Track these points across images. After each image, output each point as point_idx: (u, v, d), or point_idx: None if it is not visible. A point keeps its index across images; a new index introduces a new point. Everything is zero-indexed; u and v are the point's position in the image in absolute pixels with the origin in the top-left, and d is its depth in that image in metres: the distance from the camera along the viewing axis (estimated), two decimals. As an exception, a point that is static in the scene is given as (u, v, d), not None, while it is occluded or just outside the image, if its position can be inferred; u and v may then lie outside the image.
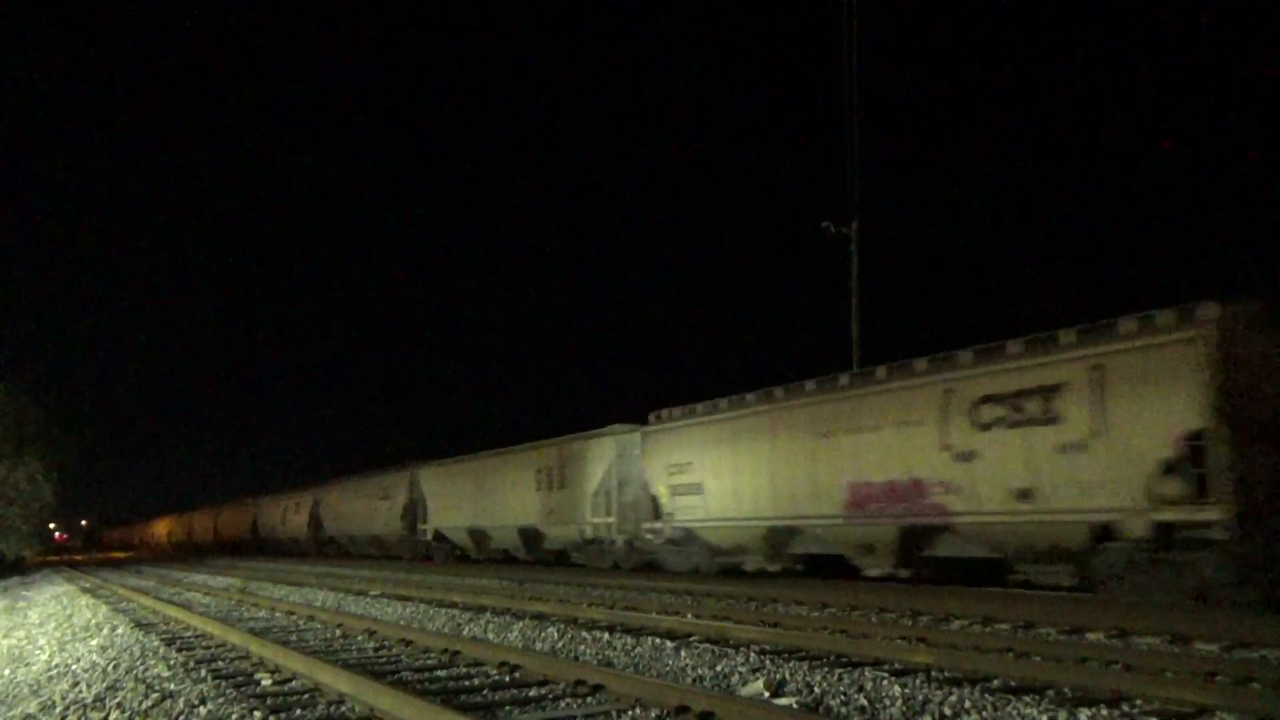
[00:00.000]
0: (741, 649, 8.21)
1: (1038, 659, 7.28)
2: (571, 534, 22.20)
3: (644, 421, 20.29)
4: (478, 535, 27.17)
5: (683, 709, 5.52)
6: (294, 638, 9.88)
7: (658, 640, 8.82)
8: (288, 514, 43.31)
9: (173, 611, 12.92)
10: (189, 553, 60.22)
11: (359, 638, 9.75)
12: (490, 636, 9.62)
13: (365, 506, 34.31)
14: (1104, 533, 11.52)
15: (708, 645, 8.49)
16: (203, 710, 6.10)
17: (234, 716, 5.93)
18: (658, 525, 19.05)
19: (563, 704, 6.07)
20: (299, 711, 6.05)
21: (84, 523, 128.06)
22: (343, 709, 6.08)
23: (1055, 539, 12.22)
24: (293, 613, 12.63)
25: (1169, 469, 10.80)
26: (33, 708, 6.53)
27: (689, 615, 10.78)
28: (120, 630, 11.20)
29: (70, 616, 13.68)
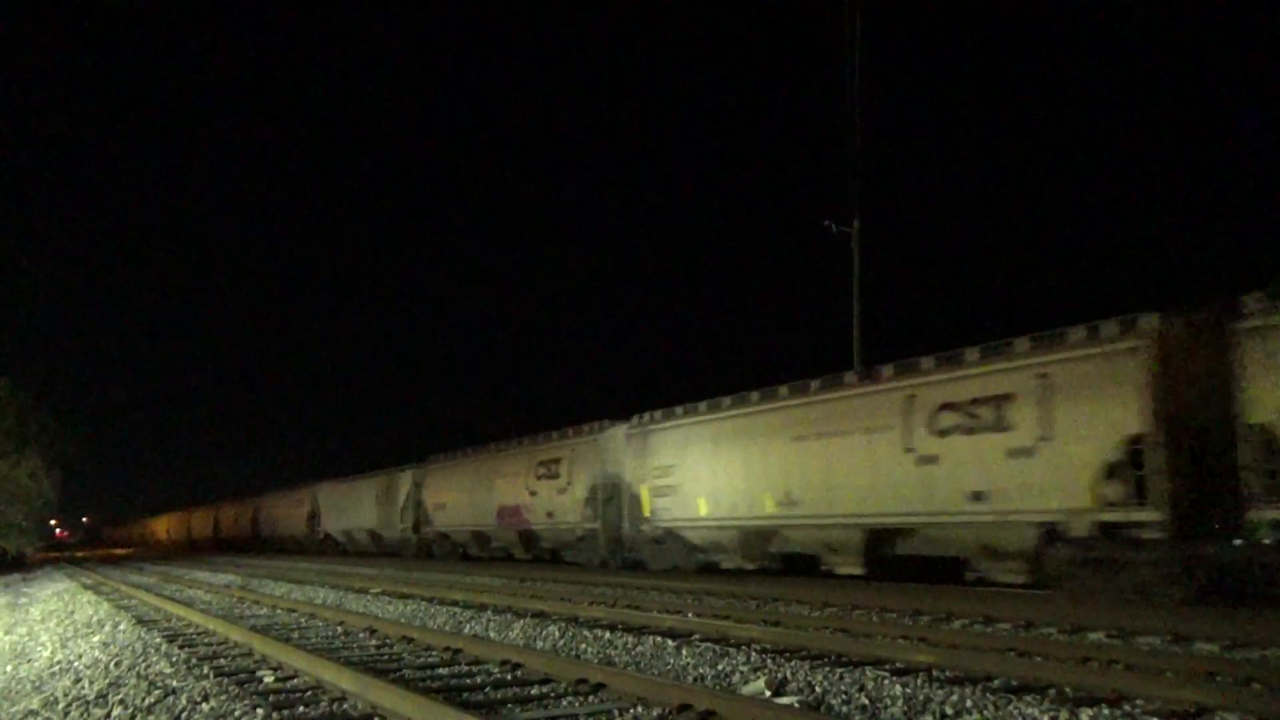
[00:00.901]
0: (743, 648, 8.21)
1: (1039, 659, 7.28)
2: (393, 534, 32.73)
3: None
4: (347, 535, 37.35)
5: (685, 707, 5.52)
6: (295, 635, 9.90)
7: (659, 639, 8.83)
8: (239, 517, 52.86)
9: (174, 608, 12.95)
10: (186, 550, 60.32)
11: (360, 635, 9.77)
12: (491, 634, 9.63)
13: (285, 513, 44.66)
14: (586, 532, 21.40)
15: (709, 644, 8.50)
16: (205, 707, 6.12)
17: (236, 714, 5.94)
18: (429, 528, 30.02)
19: (564, 702, 6.08)
20: (301, 709, 6.06)
21: (85, 519, 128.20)
22: (345, 706, 6.09)
23: (564, 538, 22.45)
24: (294, 610, 12.65)
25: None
26: (35, 704, 6.55)
27: (690, 614, 10.79)
28: (122, 627, 11.22)
29: (72, 613, 13.70)
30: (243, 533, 51.19)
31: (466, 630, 10.03)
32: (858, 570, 14.98)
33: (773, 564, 17.15)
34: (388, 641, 9.18)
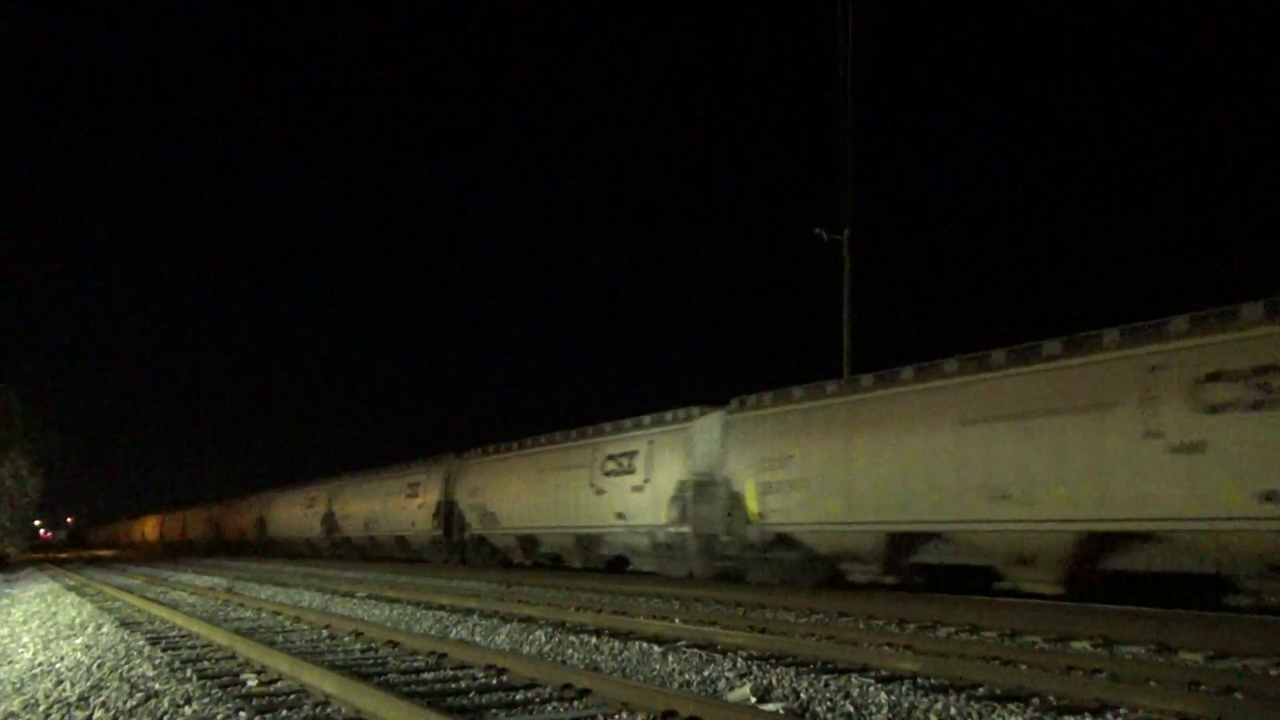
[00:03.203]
0: (729, 654, 8.21)
1: (1023, 667, 7.30)
2: (420, 537, 29.80)
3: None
4: (368, 538, 34.75)
5: (669, 713, 5.52)
6: (280, 638, 9.85)
7: (645, 644, 8.82)
8: (242, 518, 50.78)
9: (158, 611, 12.86)
10: (173, 551, 59.95)
11: (346, 639, 9.73)
12: (478, 639, 9.61)
13: (295, 513, 42.05)
14: (671, 537, 18.45)
15: (695, 650, 8.49)
16: (187, 710, 6.08)
17: (219, 717, 5.91)
18: (465, 531, 26.93)
19: (550, 707, 6.08)
20: (284, 712, 6.03)
21: (69, 520, 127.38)
22: (329, 710, 6.06)
23: (638, 543, 19.59)
24: (279, 613, 12.59)
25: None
26: (15, 706, 6.50)
27: (677, 620, 10.78)
28: (105, 629, 11.14)
29: (55, 614, 13.60)
30: (245, 535, 47.97)
31: (453, 634, 10.00)
32: (1056, 589, 12.19)
33: (919, 577, 14.36)
34: (373, 645, 9.15)
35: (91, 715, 6.08)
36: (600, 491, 20.15)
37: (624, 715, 5.72)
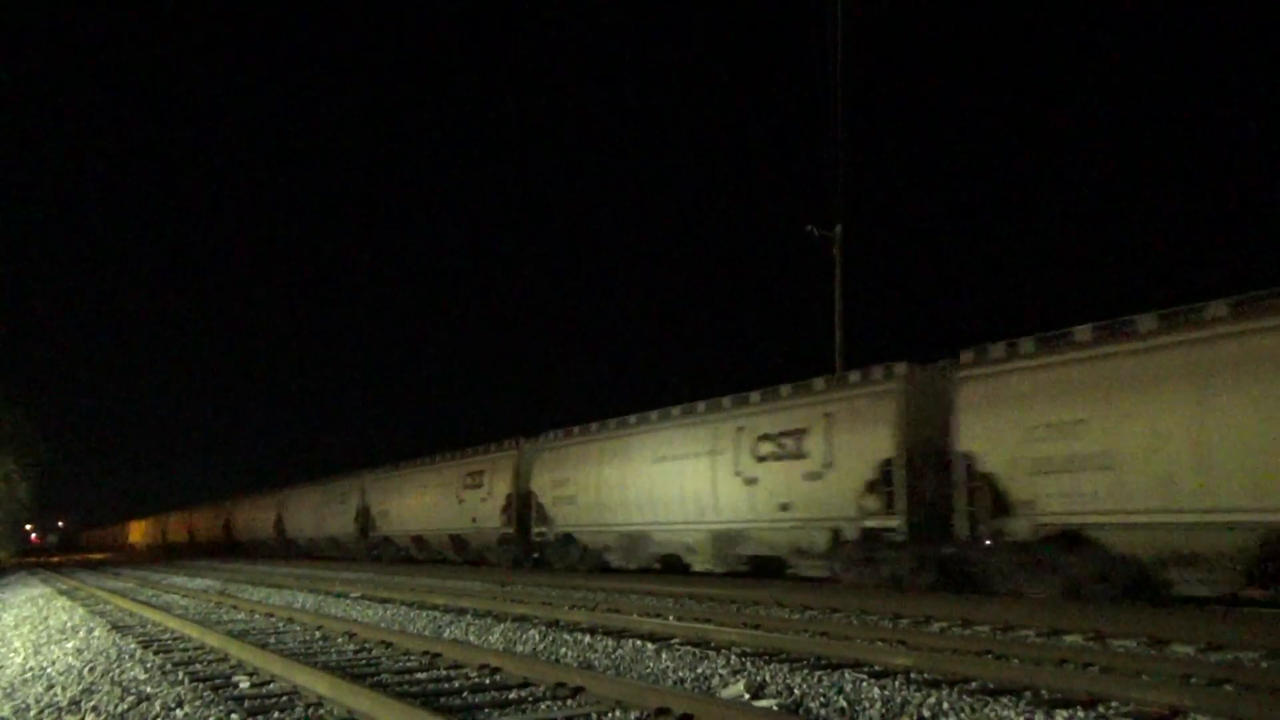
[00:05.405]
0: (723, 651, 8.22)
1: (1016, 661, 7.32)
2: (482, 536, 26.17)
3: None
4: (415, 538, 31.36)
5: (663, 711, 5.52)
6: (273, 640, 9.82)
7: (639, 642, 8.82)
8: (257, 517, 49.89)
9: (150, 613, 12.82)
10: (174, 555, 59.74)
11: (339, 640, 9.70)
12: (471, 639, 9.59)
13: (321, 511, 39.65)
14: (862, 533, 14.81)
15: (689, 647, 8.49)
16: (179, 713, 6.06)
17: (211, 719, 5.89)
18: (545, 528, 23.10)
19: (543, 706, 6.07)
20: (277, 714, 6.01)
21: (60, 524, 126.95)
22: (321, 711, 6.04)
23: (809, 541, 15.93)
24: (272, 615, 12.55)
25: None
26: (6, 711, 6.47)
27: (670, 617, 10.78)
28: (97, 632, 11.09)
29: (46, 619, 13.54)
30: (261, 536, 44.77)
31: (446, 634, 9.98)
32: None
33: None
34: (366, 646, 9.13)
35: (83, 719, 6.05)
36: (751, 480, 16.22)
37: (617, 713, 5.72)
